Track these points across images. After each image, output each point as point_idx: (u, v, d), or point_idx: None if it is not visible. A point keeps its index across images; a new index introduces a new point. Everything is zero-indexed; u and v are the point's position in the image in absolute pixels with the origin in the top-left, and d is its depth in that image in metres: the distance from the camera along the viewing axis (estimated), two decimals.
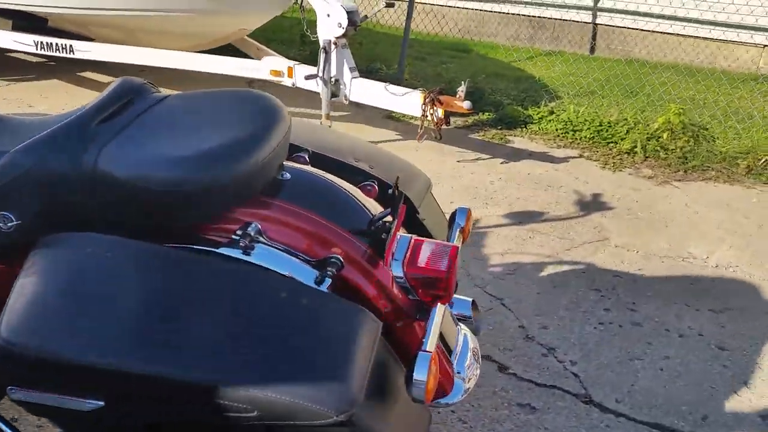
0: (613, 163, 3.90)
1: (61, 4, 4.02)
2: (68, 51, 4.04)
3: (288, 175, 1.37)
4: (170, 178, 1.18)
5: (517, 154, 4.03)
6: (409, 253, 1.36)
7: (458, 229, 1.57)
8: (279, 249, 1.27)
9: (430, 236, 1.59)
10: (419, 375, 1.16)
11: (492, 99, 4.69)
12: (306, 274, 1.26)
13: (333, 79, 3.76)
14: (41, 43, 4.06)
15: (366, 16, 3.86)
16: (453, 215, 1.60)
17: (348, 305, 1.18)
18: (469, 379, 1.48)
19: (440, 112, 3.58)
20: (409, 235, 1.44)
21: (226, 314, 1.11)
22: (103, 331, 1.07)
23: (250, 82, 4.53)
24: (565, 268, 2.79)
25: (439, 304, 1.34)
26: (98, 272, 1.14)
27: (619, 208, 3.36)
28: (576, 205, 3.38)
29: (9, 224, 1.21)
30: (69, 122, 1.26)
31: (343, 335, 1.13)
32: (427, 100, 3.58)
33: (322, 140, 1.61)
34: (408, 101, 3.67)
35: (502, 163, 3.89)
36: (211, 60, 4.04)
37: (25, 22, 4.27)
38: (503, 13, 6.16)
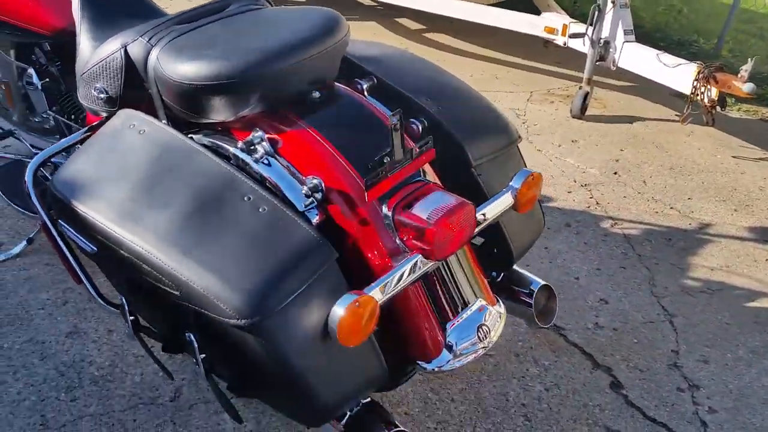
0: None
1: None
2: None
3: (318, 95, 1.36)
4: (189, 73, 1.28)
5: None
6: (411, 197, 1.25)
7: (509, 193, 1.37)
8: (277, 160, 1.29)
9: (484, 195, 1.43)
10: (337, 310, 1.09)
11: None
12: (293, 191, 1.26)
13: (602, 41, 3.41)
14: None
15: None
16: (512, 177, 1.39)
17: (305, 229, 1.15)
18: (462, 354, 1.31)
19: (714, 92, 3.00)
20: (427, 180, 1.31)
21: (195, 202, 1.18)
22: (102, 193, 1.25)
23: (546, 42, 4.38)
24: None
25: (417, 255, 1.21)
26: (127, 144, 1.31)
27: None
28: None
29: (101, 95, 1.47)
30: (155, 20, 1.45)
31: (284, 251, 1.12)
32: (700, 76, 3.03)
33: (402, 70, 1.53)
34: (678, 75, 3.15)
35: None
36: (493, 13, 4.00)
37: None
38: None
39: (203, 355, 1.20)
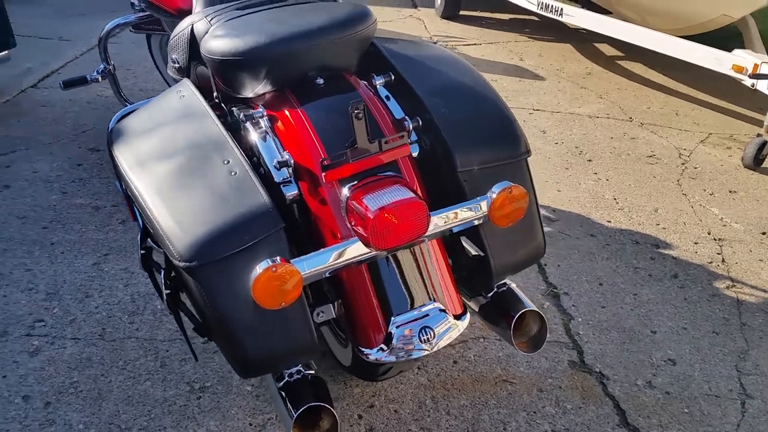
0: None
1: None
2: (559, 14, 4.31)
3: (321, 81, 1.45)
4: (214, 49, 1.45)
5: None
6: (371, 186, 1.29)
7: (483, 202, 1.33)
8: (269, 135, 1.41)
9: (463, 199, 1.40)
10: (256, 270, 1.17)
11: None
12: (271, 157, 1.38)
13: None
14: (542, 3, 4.44)
15: None
16: None
17: (262, 197, 1.25)
18: (399, 350, 1.31)
19: None
20: (396, 174, 1.33)
21: (187, 158, 1.33)
22: (131, 142, 1.46)
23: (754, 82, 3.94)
24: None
25: (355, 240, 1.25)
26: (167, 105, 1.53)
27: None
28: None
29: (174, 65, 1.72)
30: (225, 4, 1.66)
31: (236, 212, 1.23)
32: None
33: (427, 70, 1.54)
34: None
35: None
36: (681, 45, 3.68)
37: None
38: None
39: (167, 292, 1.36)
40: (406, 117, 1.43)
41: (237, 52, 1.41)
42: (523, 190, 1.34)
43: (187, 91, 1.52)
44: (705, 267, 2.40)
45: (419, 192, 1.39)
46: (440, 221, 1.32)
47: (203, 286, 1.21)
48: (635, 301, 2.20)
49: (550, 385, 1.83)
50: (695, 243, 2.54)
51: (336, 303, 1.40)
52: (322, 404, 1.27)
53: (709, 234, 2.60)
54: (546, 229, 2.59)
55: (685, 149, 3.35)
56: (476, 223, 1.37)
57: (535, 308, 1.47)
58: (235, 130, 1.47)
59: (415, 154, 1.47)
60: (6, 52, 3.40)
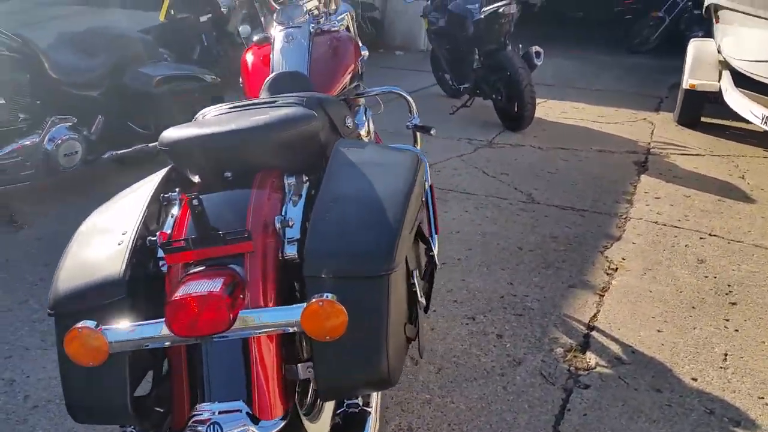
0: None
1: None
2: None
3: (229, 175, 1.56)
4: (159, 138, 1.67)
5: None
6: (199, 275, 1.36)
7: (296, 310, 1.28)
8: (172, 215, 1.58)
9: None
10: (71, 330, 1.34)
11: None
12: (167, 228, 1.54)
13: None
14: (766, 117, 3.76)
15: None
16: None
17: (119, 267, 1.40)
18: None
19: None
20: (228, 268, 1.37)
21: (115, 222, 1.59)
22: (102, 207, 1.76)
23: None
24: None
25: (160, 321, 1.31)
26: (150, 178, 1.79)
27: None
28: None
29: None
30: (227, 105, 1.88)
31: (96, 277, 1.41)
32: None
33: (350, 174, 1.51)
34: None
35: None
36: None
37: None
38: None
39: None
40: (281, 216, 1.47)
41: (164, 143, 1.60)
42: (339, 307, 1.24)
43: (162, 172, 1.77)
44: None
45: (258, 288, 1.40)
46: (250, 321, 1.31)
47: (56, 333, 1.42)
48: None
49: None
50: None
51: None
52: None
53: None
54: (604, 370, 2.22)
55: None
56: (290, 330, 1.33)
57: None
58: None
59: (292, 253, 1.48)
60: None
